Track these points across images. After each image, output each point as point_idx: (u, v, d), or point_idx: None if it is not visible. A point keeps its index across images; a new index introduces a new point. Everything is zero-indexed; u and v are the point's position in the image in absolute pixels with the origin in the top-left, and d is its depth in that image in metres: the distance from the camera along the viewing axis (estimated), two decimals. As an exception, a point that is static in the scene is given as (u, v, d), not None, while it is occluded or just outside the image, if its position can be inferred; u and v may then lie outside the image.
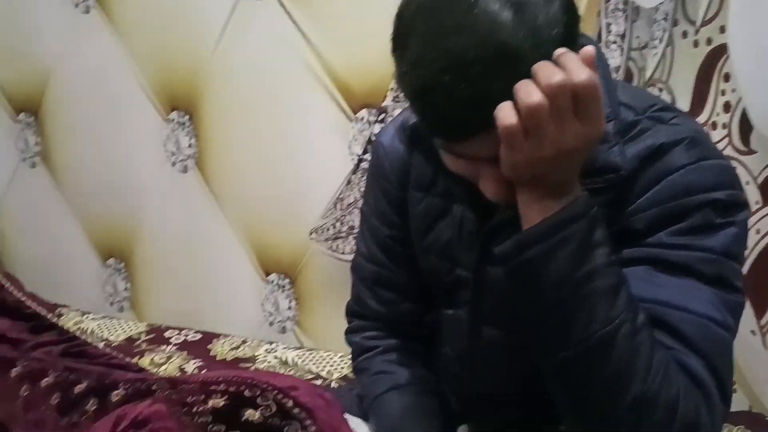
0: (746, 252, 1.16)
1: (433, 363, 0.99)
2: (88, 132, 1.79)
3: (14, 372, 1.24)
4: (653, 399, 0.63)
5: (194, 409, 0.86)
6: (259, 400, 0.89)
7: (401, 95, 1.41)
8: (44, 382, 1.20)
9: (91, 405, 1.09)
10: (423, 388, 0.95)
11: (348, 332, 1.05)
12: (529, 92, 0.57)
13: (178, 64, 1.64)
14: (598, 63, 0.64)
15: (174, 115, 1.65)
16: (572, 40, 0.61)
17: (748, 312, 1.19)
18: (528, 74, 0.58)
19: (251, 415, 0.86)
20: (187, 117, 1.64)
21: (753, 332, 1.18)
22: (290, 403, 0.90)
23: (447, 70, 0.58)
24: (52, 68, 1.81)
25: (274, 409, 0.88)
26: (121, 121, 1.73)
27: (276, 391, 0.91)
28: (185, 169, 1.67)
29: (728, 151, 1.15)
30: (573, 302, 0.64)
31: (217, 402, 0.87)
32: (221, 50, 1.57)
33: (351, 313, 1.05)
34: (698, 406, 0.65)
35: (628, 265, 0.69)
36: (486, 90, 0.58)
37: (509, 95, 0.58)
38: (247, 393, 0.90)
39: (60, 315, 1.72)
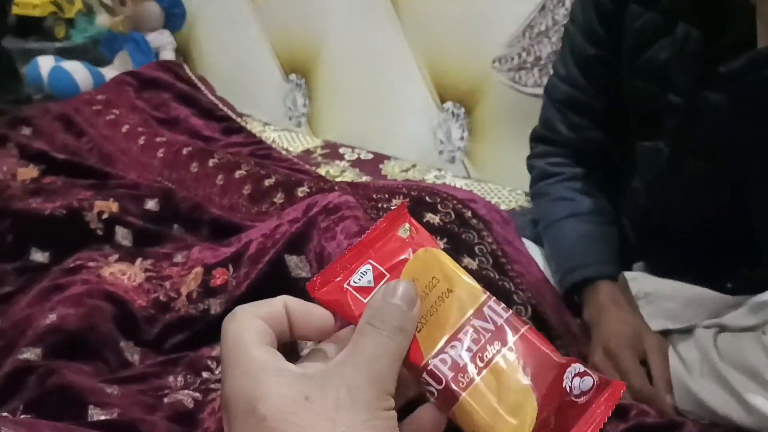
0: None
1: (617, 195, 0.95)
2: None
3: (212, 162, 1.36)
4: None
5: (379, 204, 0.89)
6: (439, 206, 0.91)
7: None
8: (237, 173, 1.30)
9: (279, 198, 1.18)
10: (603, 219, 0.93)
11: (531, 157, 1.03)
12: None
13: None
14: None
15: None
16: None
17: None
18: None
19: (431, 218, 0.88)
20: (379, -71, 1.59)
21: None
22: (469, 213, 0.91)
23: None
24: None
25: (453, 216, 0.90)
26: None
27: (455, 201, 0.93)
28: (372, -14, 1.64)
29: None
30: None
31: (400, 202, 0.90)
32: None
33: (537, 137, 1.02)
34: None
35: None
36: None
37: None
38: (428, 199, 0.92)
39: (245, 123, 1.83)
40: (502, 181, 1.50)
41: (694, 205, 0.80)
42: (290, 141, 1.79)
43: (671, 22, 0.76)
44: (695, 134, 0.76)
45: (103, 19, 2.05)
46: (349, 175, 1.58)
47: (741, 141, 0.64)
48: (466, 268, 0.84)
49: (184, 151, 1.43)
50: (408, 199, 0.92)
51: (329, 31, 1.80)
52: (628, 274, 0.83)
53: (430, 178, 1.57)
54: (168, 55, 2.08)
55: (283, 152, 1.64)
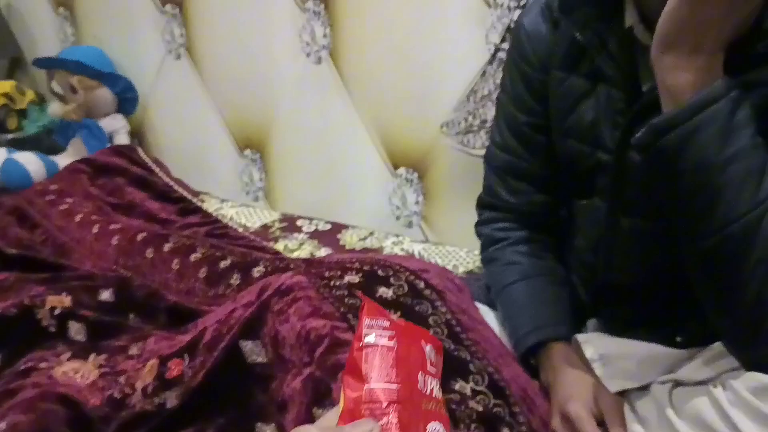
0: None
1: (564, 255, 0.97)
2: (229, 22, 1.83)
3: (167, 247, 1.35)
4: None
5: (332, 282, 0.89)
6: (392, 279, 0.92)
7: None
8: (193, 256, 1.30)
9: (235, 279, 1.17)
10: (553, 279, 0.94)
11: (478, 224, 1.05)
12: None
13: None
14: None
15: (310, 3, 1.65)
16: None
17: None
18: None
19: (384, 292, 0.89)
20: (322, 6, 1.64)
21: None
22: (422, 284, 0.92)
23: None
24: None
25: (406, 288, 0.90)
26: (259, 11, 1.75)
27: (408, 273, 0.94)
28: (319, 60, 1.68)
29: None
30: (714, 186, 0.60)
31: (353, 278, 0.91)
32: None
33: (482, 204, 1.04)
34: None
35: None
36: None
37: None
38: (380, 272, 0.93)
39: (202, 201, 1.83)
40: (460, 243, 1.52)
41: (634, 261, 0.82)
42: (248, 216, 1.80)
43: (593, 84, 0.79)
44: (625, 192, 0.78)
45: (55, 108, 2.06)
46: (308, 248, 1.59)
47: (661, 199, 0.67)
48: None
49: (139, 237, 1.42)
50: (361, 274, 0.92)
51: (280, 106, 1.83)
52: (581, 337, 0.84)
53: (388, 244, 1.58)
54: (122, 139, 2.09)
55: (240, 229, 1.64)
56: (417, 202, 1.65)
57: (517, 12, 1.32)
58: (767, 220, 0.59)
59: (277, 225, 1.74)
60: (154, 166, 1.85)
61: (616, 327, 0.88)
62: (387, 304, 0.87)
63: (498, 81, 1.41)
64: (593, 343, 0.82)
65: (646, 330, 0.83)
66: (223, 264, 1.22)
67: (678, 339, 0.81)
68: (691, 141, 0.59)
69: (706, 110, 0.59)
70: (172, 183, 1.79)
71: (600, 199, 0.83)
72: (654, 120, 0.62)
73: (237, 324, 0.88)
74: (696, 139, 0.59)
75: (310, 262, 1.08)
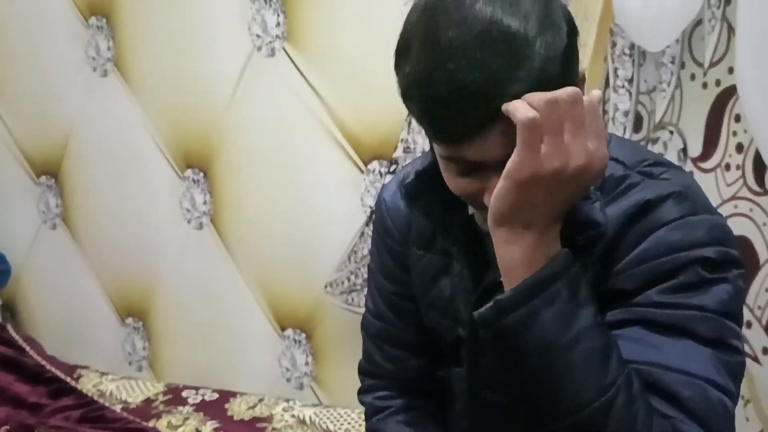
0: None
1: (447, 419, 0.96)
2: (106, 192, 1.82)
3: (31, 439, 1.24)
4: None
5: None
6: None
7: (410, 143, 1.42)
8: (60, 449, 1.19)
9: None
10: None
11: (360, 392, 1.03)
12: (533, 98, 0.57)
13: (192, 123, 1.66)
14: None
15: (189, 172, 1.67)
16: (572, 52, 0.61)
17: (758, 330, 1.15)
18: (529, 57, 0.57)
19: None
20: (201, 174, 1.66)
21: (765, 350, 1.14)
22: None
23: (449, 59, 0.58)
24: (71, 131, 1.85)
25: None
26: (138, 181, 1.75)
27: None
28: (200, 226, 1.68)
29: (743, 192, 1.12)
30: (561, 368, 0.61)
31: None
32: (234, 107, 1.60)
33: (362, 371, 1.03)
34: None
35: (618, 328, 0.65)
36: (490, 72, 0.57)
37: (514, 81, 0.57)
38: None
39: (79, 377, 1.72)
40: (352, 404, 1.48)
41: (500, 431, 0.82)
42: (129, 391, 1.69)
43: (448, 262, 0.83)
44: (482, 366, 0.79)
45: None
46: (194, 422, 1.50)
47: (509, 378, 0.67)
48: None
49: (2, 430, 1.30)
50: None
51: (162, 272, 1.79)
52: None
53: (278, 411, 1.52)
54: (-10, 315, 1.96)
55: (119, 407, 1.54)
56: (307, 363, 1.62)
57: (388, 177, 1.40)
58: (616, 407, 0.60)
59: (160, 398, 1.65)
60: (25, 345, 1.74)
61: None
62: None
63: (376, 241, 1.45)
64: None
65: None
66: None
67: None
68: (533, 321, 0.61)
69: (547, 290, 0.61)
70: (44, 362, 1.68)
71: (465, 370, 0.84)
72: (498, 297, 0.63)
73: None
74: (539, 320, 0.61)
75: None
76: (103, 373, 1.79)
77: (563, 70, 0.59)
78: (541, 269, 0.62)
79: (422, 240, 0.84)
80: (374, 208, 0.98)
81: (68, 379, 1.63)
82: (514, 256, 0.63)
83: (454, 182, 0.67)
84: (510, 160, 0.60)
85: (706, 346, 0.63)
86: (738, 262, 0.67)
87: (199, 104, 1.64)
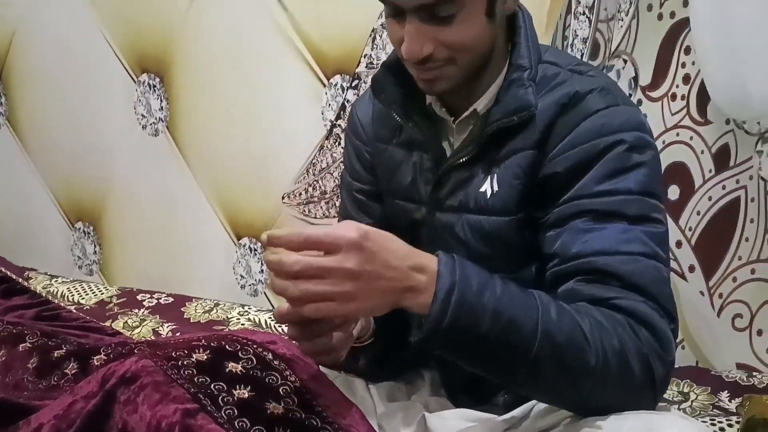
0: (700, 215, 1.24)
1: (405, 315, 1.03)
2: (55, 94, 1.77)
3: (-10, 335, 1.25)
4: (605, 369, 0.68)
5: (179, 362, 0.88)
6: (240, 353, 0.93)
7: (373, 58, 1.44)
8: (22, 346, 1.21)
9: (72, 368, 1.11)
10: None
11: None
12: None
13: (149, 26, 1.62)
14: (523, 24, 0.81)
15: (145, 77, 1.65)
16: None
17: (697, 273, 1.27)
18: None
19: (234, 367, 0.89)
20: (158, 80, 1.64)
21: (702, 293, 1.26)
22: (270, 356, 0.94)
23: None
24: (16, 29, 1.78)
25: (254, 361, 0.92)
26: (90, 84, 1.71)
27: (256, 345, 0.95)
28: (156, 133, 1.67)
29: (686, 122, 1.21)
30: (491, 357, 0.69)
31: (201, 356, 0.90)
32: (194, 13, 1.57)
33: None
34: (647, 340, 0.70)
35: (567, 222, 0.76)
36: None
37: None
38: (228, 347, 0.94)
39: (28, 278, 1.71)
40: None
41: None
42: (82, 293, 1.70)
43: (409, 151, 0.91)
44: (438, 247, 0.87)
45: None
46: (151, 324, 1.53)
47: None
48: (272, 414, 0.86)
49: (-43, 325, 1.30)
50: (209, 351, 0.92)
51: (116, 177, 1.78)
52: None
53: (234, 315, 1.57)
54: (-68, 215, 1.91)
55: (74, 308, 1.55)
56: (261, 271, 1.67)
57: (350, 92, 1.42)
58: (543, 358, 0.67)
59: (114, 301, 1.66)
60: (-29, 245, 1.71)
61: (452, 385, 0.95)
62: (237, 378, 0.88)
63: (335, 155, 1.49)
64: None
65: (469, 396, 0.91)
66: (58, 353, 1.15)
67: (503, 397, 0.89)
68: (453, 343, 0.68)
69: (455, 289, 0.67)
70: (-8, 262, 1.66)
71: None
72: (419, 333, 0.69)
73: (79, 418, 0.84)
74: (457, 342, 0.68)
75: (154, 344, 1.06)
76: (52, 276, 1.79)
77: None
78: (431, 311, 0.67)
79: (386, 133, 0.93)
80: (348, 116, 1.04)
81: (19, 279, 1.62)
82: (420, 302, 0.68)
83: (390, 31, 0.79)
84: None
85: (635, 224, 0.74)
86: (651, 144, 0.78)
87: (158, 6, 1.60)
